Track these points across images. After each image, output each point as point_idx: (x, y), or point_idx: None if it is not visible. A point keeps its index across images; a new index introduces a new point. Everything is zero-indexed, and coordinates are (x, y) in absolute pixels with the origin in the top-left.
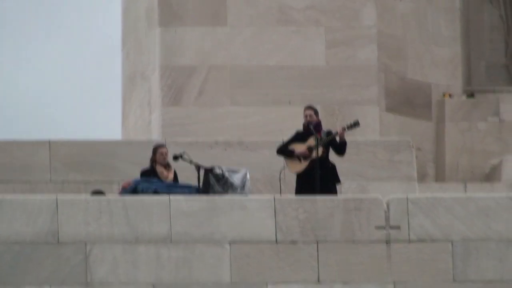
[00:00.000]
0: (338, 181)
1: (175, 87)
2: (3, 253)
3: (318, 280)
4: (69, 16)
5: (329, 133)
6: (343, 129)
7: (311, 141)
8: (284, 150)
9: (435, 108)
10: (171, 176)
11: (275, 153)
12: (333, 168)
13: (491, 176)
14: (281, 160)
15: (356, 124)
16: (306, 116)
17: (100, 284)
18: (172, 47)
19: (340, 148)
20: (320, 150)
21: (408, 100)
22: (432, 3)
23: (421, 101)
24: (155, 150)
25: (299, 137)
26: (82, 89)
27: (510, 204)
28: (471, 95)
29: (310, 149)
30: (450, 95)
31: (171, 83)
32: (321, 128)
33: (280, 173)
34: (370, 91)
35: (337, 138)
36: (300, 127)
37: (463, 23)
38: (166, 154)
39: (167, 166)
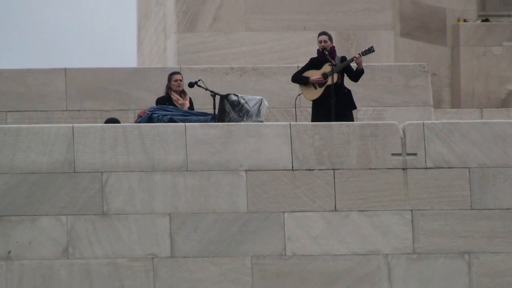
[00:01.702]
0: (354, 107)
1: (190, 13)
2: (20, 183)
3: (335, 208)
4: None
5: (343, 58)
6: (359, 55)
7: (326, 68)
8: (299, 78)
9: (450, 33)
10: (187, 103)
11: (290, 80)
12: (348, 94)
13: (507, 101)
14: (296, 86)
15: (370, 50)
16: (320, 42)
17: (116, 213)
18: None
19: (356, 76)
20: (335, 76)
21: (422, 25)
22: None
23: (436, 26)
24: (170, 77)
25: (314, 64)
26: (97, 16)
27: None
28: (486, 19)
29: (325, 76)
30: (465, 20)
31: (186, 9)
32: (336, 54)
33: (296, 100)
34: (384, 15)
35: (354, 66)
36: (314, 53)
37: None
38: (181, 81)
39: (182, 94)
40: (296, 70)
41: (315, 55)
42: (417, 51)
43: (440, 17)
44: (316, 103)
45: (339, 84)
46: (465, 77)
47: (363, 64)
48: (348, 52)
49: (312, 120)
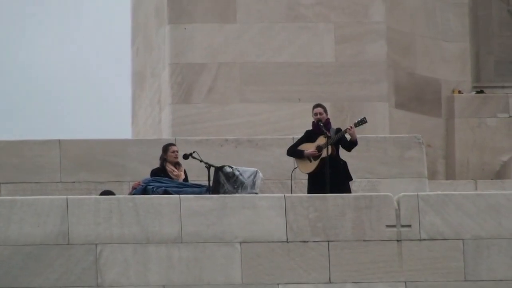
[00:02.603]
0: (350, 178)
1: (185, 84)
2: (14, 254)
3: (330, 280)
4: (79, 15)
5: (338, 130)
6: (352, 127)
7: (320, 140)
8: (294, 151)
9: (444, 104)
10: (182, 174)
11: (286, 153)
12: (344, 165)
13: (501, 173)
14: (291, 158)
15: (363, 121)
16: (315, 114)
17: (111, 285)
18: (181, 44)
19: (349, 146)
20: (330, 148)
21: (417, 96)
22: None
23: (431, 97)
24: (166, 148)
25: (309, 136)
26: (92, 87)
27: None
28: (480, 91)
29: (319, 148)
30: (459, 91)
31: (181, 81)
32: (330, 126)
33: (292, 173)
34: (379, 87)
35: (348, 137)
36: (309, 124)
37: (472, 19)
38: (178, 152)
39: (177, 165)
40: (291, 141)
41: (310, 127)
42: (412, 123)
43: (435, 88)
44: (311, 176)
45: (334, 156)
46: (460, 148)
47: (357, 135)
48: (343, 123)
49: (308, 193)
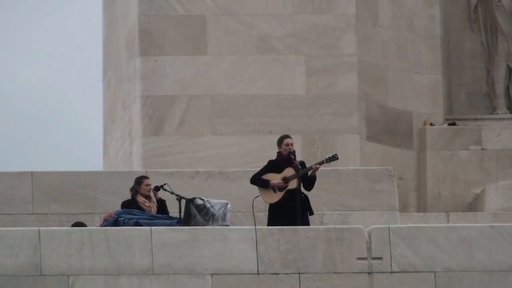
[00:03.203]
0: (312, 212)
1: (156, 116)
2: None
3: None
4: (50, 45)
5: (302, 163)
6: (321, 163)
7: (287, 171)
8: (259, 180)
9: (416, 136)
10: (153, 206)
11: (249, 182)
12: (306, 199)
13: (473, 205)
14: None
15: (334, 157)
16: (287, 145)
17: None
18: (152, 76)
19: (309, 183)
20: (296, 181)
21: (389, 128)
22: (412, 31)
23: (402, 129)
24: (140, 181)
25: (273, 166)
26: (64, 118)
27: (493, 234)
28: (452, 123)
29: (285, 180)
30: (431, 124)
31: (152, 113)
32: (295, 158)
33: (253, 202)
34: (351, 119)
35: (309, 172)
36: None
37: (444, 51)
38: (151, 186)
39: (148, 197)
40: (255, 173)
41: (274, 158)
42: (384, 155)
43: (407, 120)
44: (273, 207)
45: (298, 189)
46: (432, 181)
47: (328, 168)
48: (314, 156)
49: (269, 224)
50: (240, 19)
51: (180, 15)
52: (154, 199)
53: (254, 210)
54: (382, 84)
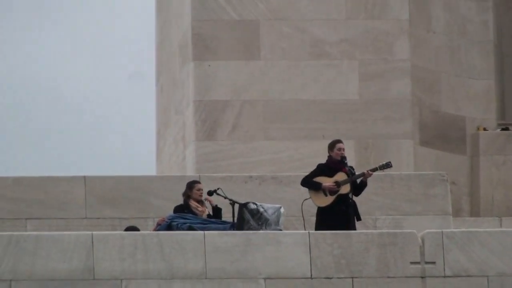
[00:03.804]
0: (359, 218)
1: (209, 121)
2: None
3: None
4: (105, 51)
5: (351, 168)
6: (374, 170)
7: (339, 176)
8: (311, 183)
9: (469, 141)
10: (206, 210)
11: (300, 184)
12: (354, 204)
13: None
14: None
15: (388, 165)
16: (339, 150)
17: None
18: (205, 81)
19: (359, 189)
20: (348, 186)
21: (442, 133)
22: (466, 36)
23: (455, 134)
24: (191, 186)
25: (324, 170)
26: (118, 123)
27: None
28: (505, 128)
29: (337, 184)
30: (484, 129)
31: (205, 118)
32: (347, 164)
33: (302, 204)
34: (404, 124)
35: (359, 179)
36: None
37: (497, 56)
38: (202, 190)
39: (201, 202)
40: (306, 175)
41: (323, 162)
42: (437, 160)
43: (460, 125)
44: (323, 210)
45: (348, 194)
46: (485, 185)
47: (382, 173)
48: (367, 160)
49: (317, 227)
50: (294, 24)
51: (233, 19)
52: (206, 204)
53: (306, 215)
54: (435, 89)
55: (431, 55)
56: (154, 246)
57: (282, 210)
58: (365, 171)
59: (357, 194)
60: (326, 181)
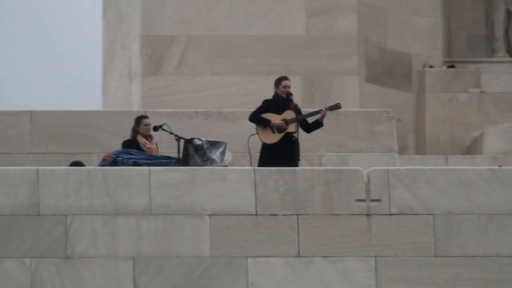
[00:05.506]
0: (299, 159)
1: (155, 56)
2: None
3: (299, 254)
4: None
5: (296, 106)
6: (326, 110)
7: (288, 114)
8: (259, 119)
9: (415, 78)
10: (154, 147)
11: (248, 119)
12: (297, 143)
13: (472, 148)
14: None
15: (337, 106)
16: (285, 87)
17: (80, 257)
18: (152, 16)
19: (312, 128)
20: (295, 125)
21: (388, 70)
22: None
23: (402, 71)
24: (139, 121)
25: (271, 107)
26: (63, 58)
27: (491, 177)
28: (451, 66)
29: (286, 122)
30: (430, 66)
31: (151, 53)
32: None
33: (248, 141)
34: (350, 61)
35: (313, 118)
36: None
37: None
38: (150, 125)
39: (149, 137)
40: (254, 110)
41: (270, 99)
42: (383, 97)
43: (406, 63)
44: (268, 147)
45: (293, 133)
46: (430, 123)
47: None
48: (313, 97)
49: (260, 164)
50: None
51: None
52: (155, 139)
53: (252, 151)
54: (382, 26)
55: None
56: (99, 181)
57: (227, 146)
58: (322, 109)
59: (308, 132)
60: (274, 118)
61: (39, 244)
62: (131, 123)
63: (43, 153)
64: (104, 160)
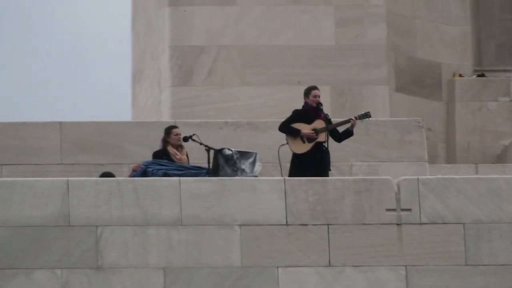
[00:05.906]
0: (330, 169)
1: (184, 67)
2: (14, 236)
3: (329, 263)
4: None
5: (327, 115)
6: (355, 118)
7: (318, 123)
8: (289, 128)
9: (445, 88)
10: (184, 158)
11: (278, 129)
12: (328, 153)
13: (502, 157)
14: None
15: (367, 115)
16: (315, 97)
17: (111, 267)
18: (181, 26)
19: (343, 137)
20: (324, 134)
21: (417, 79)
22: None
23: (431, 80)
24: (169, 131)
25: (300, 117)
26: (93, 69)
27: None
28: (481, 74)
29: (316, 131)
30: (460, 75)
31: (180, 63)
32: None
33: (279, 151)
34: (379, 70)
35: (344, 127)
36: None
37: (473, 2)
38: (180, 135)
39: (179, 148)
40: (284, 120)
41: (300, 109)
42: (412, 106)
43: (436, 72)
44: (299, 157)
45: (323, 142)
46: (460, 132)
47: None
48: (342, 107)
49: (291, 174)
50: None
51: None
52: (185, 149)
53: (282, 161)
54: (411, 35)
55: (406, 1)
56: (130, 192)
57: (257, 156)
58: (352, 118)
59: (339, 141)
60: (304, 128)
61: (69, 254)
62: (160, 134)
63: (73, 164)
64: (134, 171)
